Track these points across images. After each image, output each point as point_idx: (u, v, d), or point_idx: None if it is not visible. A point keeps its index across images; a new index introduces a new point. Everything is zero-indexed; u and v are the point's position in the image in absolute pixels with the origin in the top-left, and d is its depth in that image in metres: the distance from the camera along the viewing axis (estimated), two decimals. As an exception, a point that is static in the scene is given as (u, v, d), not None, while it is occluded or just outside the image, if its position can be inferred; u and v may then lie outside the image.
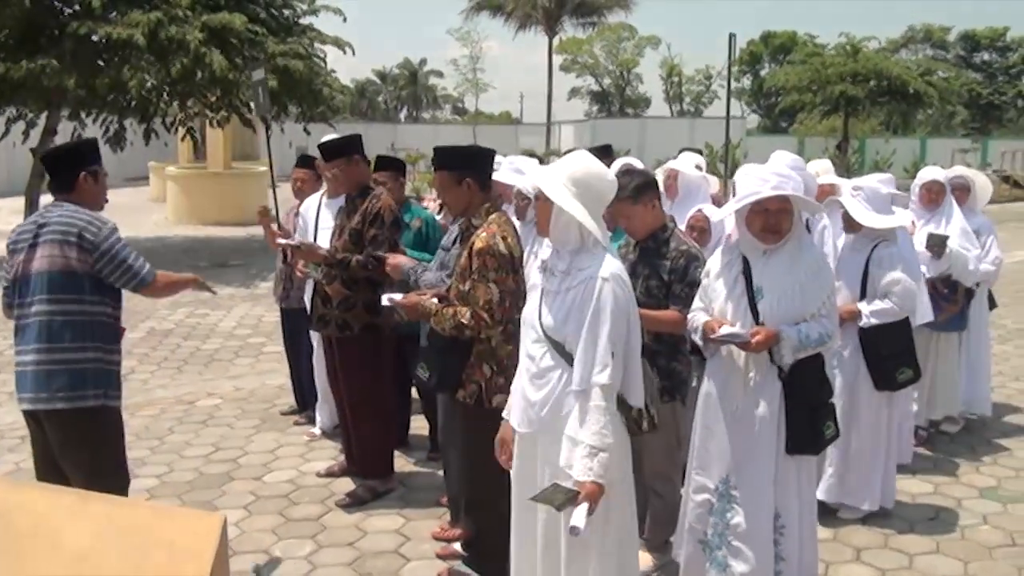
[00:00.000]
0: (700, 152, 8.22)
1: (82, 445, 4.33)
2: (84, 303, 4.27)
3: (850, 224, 5.50)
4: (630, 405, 3.63)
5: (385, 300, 4.84)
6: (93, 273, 4.26)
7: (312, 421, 7.17)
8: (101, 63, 15.10)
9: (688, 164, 6.67)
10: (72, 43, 14.33)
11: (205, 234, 20.13)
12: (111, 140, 17.34)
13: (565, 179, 3.57)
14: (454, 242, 4.92)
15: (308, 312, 6.17)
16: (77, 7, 14.75)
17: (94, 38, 14.57)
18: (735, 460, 4.10)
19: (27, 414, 4.38)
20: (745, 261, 4.12)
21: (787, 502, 4.08)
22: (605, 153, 6.17)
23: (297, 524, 5.50)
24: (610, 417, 3.46)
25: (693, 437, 4.34)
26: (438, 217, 6.61)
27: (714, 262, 4.29)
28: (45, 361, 4.22)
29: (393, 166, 6.46)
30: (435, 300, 4.56)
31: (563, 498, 3.36)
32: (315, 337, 6.61)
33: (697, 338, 4.24)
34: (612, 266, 3.55)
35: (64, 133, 16.91)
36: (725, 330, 4.01)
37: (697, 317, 4.25)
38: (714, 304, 4.20)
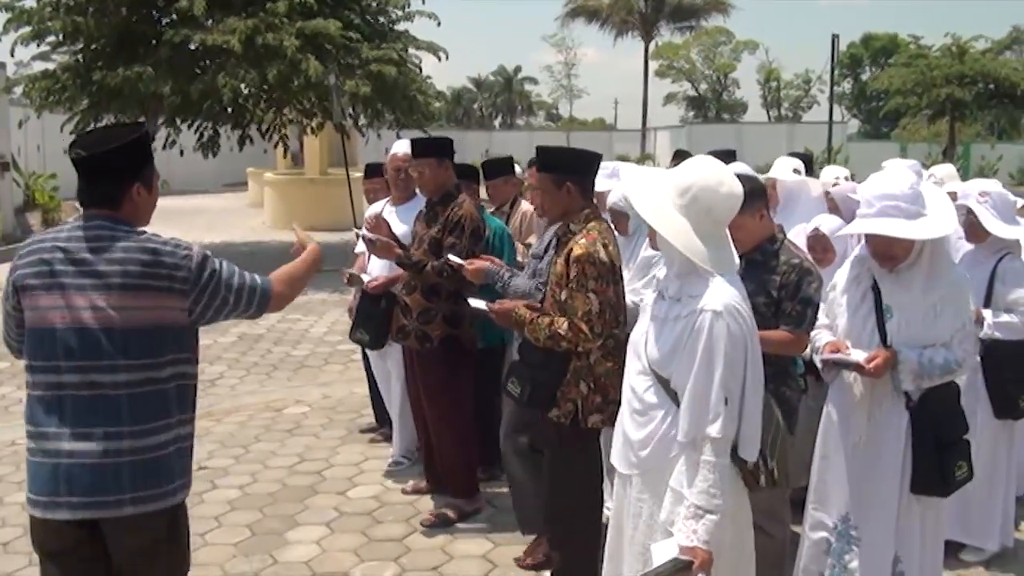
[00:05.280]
0: (807, 157, 7.74)
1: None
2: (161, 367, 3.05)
3: (974, 233, 5.02)
4: (744, 458, 3.13)
5: (472, 303, 4.57)
6: (189, 323, 3.12)
7: (389, 438, 6.84)
8: (197, 70, 15.22)
9: (786, 170, 6.34)
10: (168, 50, 14.49)
11: (300, 239, 20.14)
12: (204, 146, 17.55)
13: (671, 189, 3.13)
14: (546, 249, 4.62)
15: (352, 322, 6.08)
16: (174, 16, 14.88)
17: (191, 46, 14.71)
18: (856, 497, 3.73)
19: (68, 523, 2.97)
20: (874, 276, 3.75)
21: (909, 546, 3.69)
22: (729, 158, 5.86)
23: (380, 545, 5.28)
24: (721, 474, 2.98)
25: (812, 469, 3.97)
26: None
27: (841, 275, 3.91)
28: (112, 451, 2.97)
29: (465, 173, 6.07)
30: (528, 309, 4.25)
31: (671, 572, 2.90)
32: (374, 362, 6.49)
33: (818, 360, 3.86)
34: (725, 295, 3.03)
35: (160, 139, 17.15)
36: (836, 355, 3.66)
37: (820, 336, 3.88)
38: (839, 321, 3.82)
